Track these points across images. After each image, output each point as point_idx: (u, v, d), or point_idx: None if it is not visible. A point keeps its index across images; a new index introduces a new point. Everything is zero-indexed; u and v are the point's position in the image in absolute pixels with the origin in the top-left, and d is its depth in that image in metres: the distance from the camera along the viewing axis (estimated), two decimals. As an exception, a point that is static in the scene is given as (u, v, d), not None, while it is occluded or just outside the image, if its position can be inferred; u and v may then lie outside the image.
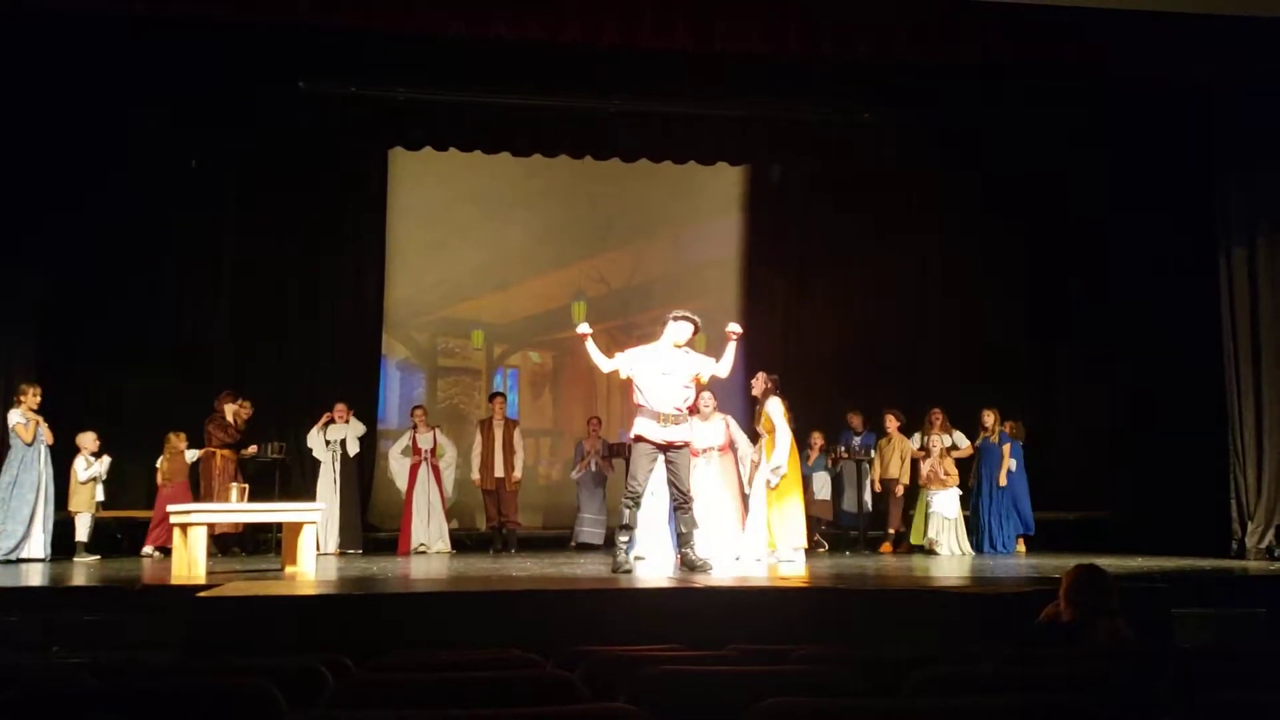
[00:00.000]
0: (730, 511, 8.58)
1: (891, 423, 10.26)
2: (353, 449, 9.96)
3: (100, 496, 9.23)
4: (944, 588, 6.79)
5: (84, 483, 9.09)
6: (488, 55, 9.03)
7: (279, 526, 8.77)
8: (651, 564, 8.07)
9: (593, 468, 10.60)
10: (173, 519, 7.58)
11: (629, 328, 11.84)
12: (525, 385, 12.60)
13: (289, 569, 7.71)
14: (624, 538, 7.34)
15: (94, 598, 6.69)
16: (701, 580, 6.70)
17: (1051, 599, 4.02)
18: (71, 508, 9.03)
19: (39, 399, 8.65)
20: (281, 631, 5.31)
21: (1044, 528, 10.41)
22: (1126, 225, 10.74)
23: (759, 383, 8.67)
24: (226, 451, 9.66)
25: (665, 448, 7.22)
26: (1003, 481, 9.95)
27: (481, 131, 10.36)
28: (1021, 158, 10.93)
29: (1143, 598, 6.03)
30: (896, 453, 10.19)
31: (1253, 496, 9.14)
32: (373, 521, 10.80)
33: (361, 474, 10.42)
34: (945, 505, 9.82)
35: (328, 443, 9.90)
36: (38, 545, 8.57)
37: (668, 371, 7.26)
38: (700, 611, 5.72)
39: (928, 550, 9.79)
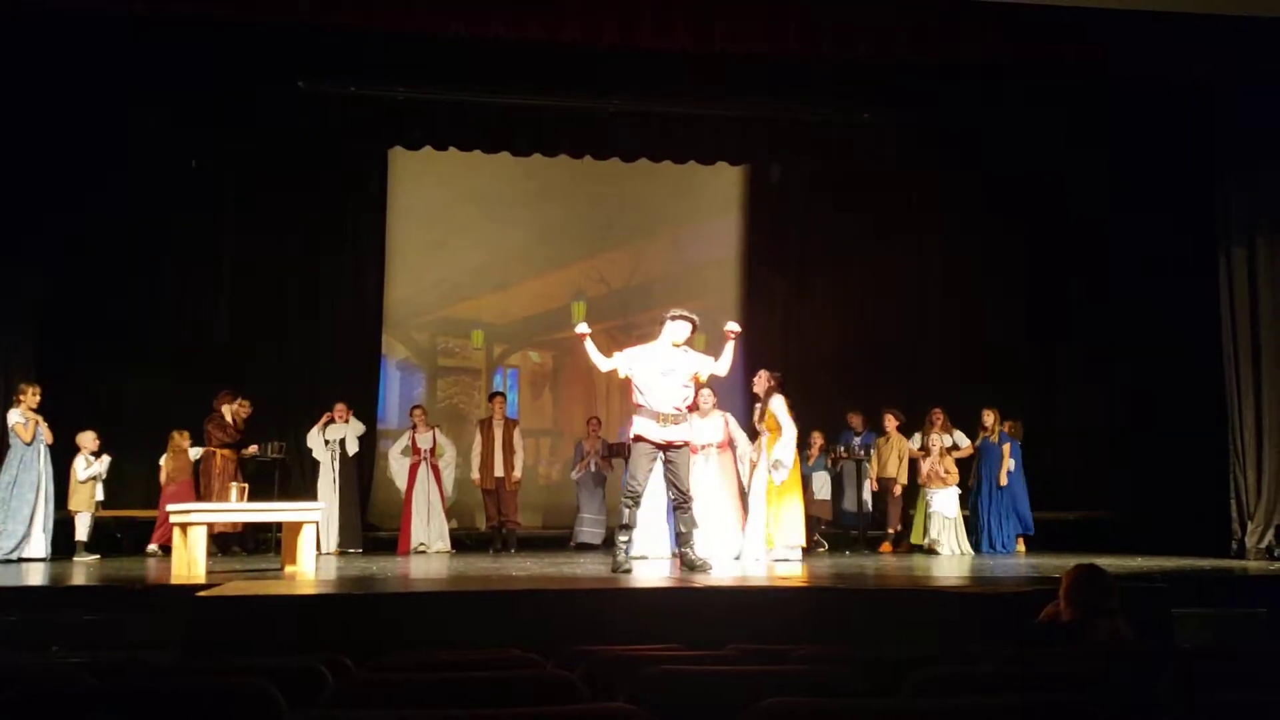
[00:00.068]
0: (729, 510, 8.59)
1: (890, 422, 10.27)
2: (352, 448, 9.96)
3: (100, 496, 9.23)
4: (944, 588, 6.79)
5: (84, 482, 9.09)
6: (487, 55, 9.03)
7: (279, 526, 8.77)
8: (650, 562, 8.07)
9: (592, 468, 10.60)
10: (172, 519, 7.58)
11: (629, 328, 11.84)
12: (525, 385, 12.60)
13: (289, 569, 7.71)
14: (624, 537, 7.34)
15: (94, 597, 6.69)
16: (701, 580, 6.70)
17: (1051, 599, 4.02)
18: (71, 507, 9.03)
19: (38, 398, 8.65)
20: (281, 631, 5.30)
21: (1044, 528, 10.42)
22: (1126, 225, 10.74)
23: (762, 381, 8.67)
24: (226, 451, 9.67)
25: (665, 447, 7.22)
26: (1003, 481, 9.95)
27: (481, 131, 10.36)
28: (1021, 158, 10.93)
29: (1143, 598, 6.03)
30: (895, 452, 10.20)
31: (1253, 496, 9.14)
32: (372, 521, 10.80)
33: (361, 474, 10.43)
34: (945, 504, 9.82)
35: (327, 442, 9.90)
36: (38, 545, 8.58)
37: (667, 371, 7.26)
38: (700, 611, 5.72)
39: (927, 550, 9.79)
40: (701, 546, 7.55)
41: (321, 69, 9.52)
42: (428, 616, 5.64)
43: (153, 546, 9.34)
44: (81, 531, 9.02)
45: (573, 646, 3.49)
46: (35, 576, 7.55)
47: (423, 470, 10.07)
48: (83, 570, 8.14)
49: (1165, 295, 10.21)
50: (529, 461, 11.15)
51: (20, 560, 8.43)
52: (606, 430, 10.97)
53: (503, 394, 10.85)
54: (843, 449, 10.33)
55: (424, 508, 10.01)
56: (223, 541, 9.50)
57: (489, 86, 9.80)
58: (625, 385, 7.60)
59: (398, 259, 11.69)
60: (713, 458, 8.64)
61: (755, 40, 8.30)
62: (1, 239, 9.13)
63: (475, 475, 10.30)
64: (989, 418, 10.10)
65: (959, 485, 9.94)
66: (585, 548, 10.27)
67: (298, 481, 10.46)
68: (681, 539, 7.36)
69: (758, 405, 8.70)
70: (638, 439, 7.28)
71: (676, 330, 7.34)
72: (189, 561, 7.26)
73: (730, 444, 8.78)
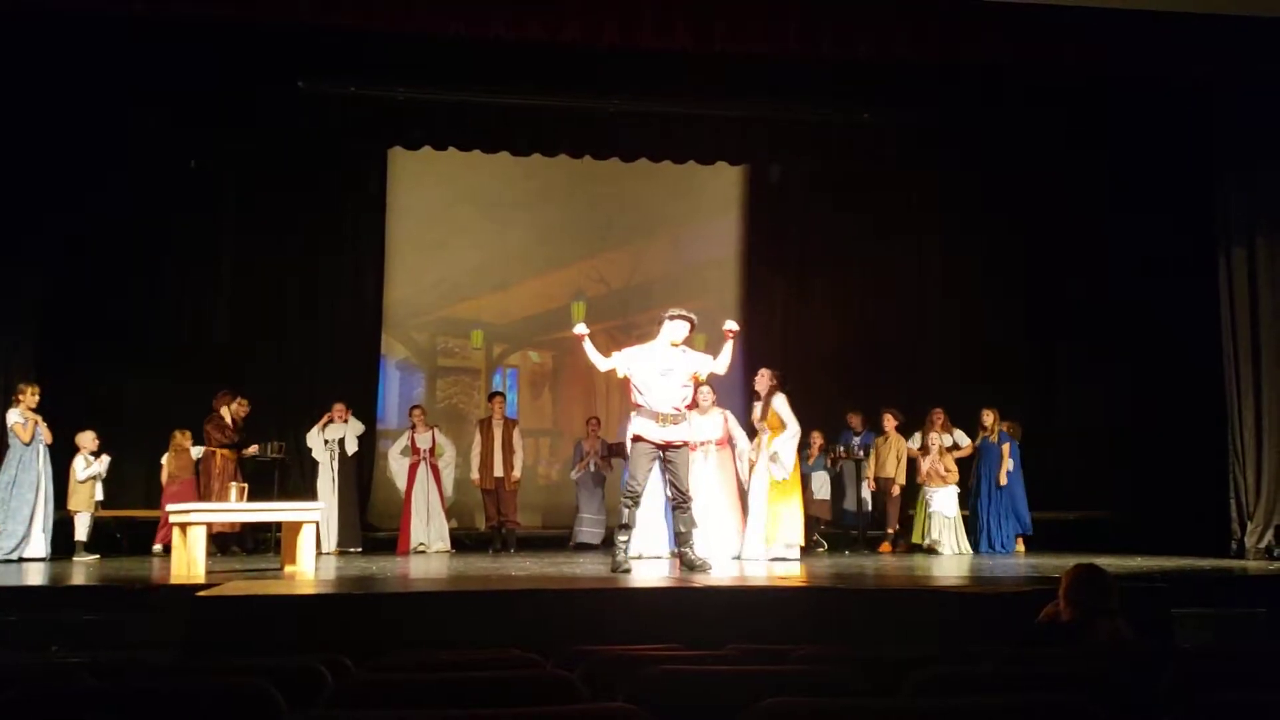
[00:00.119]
0: (728, 509, 8.58)
1: (889, 422, 10.26)
2: (351, 448, 9.96)
3: (100, 496, 9.23)
4: (944, 588, 6.79)
5: (83, 482, 9.09)
6: (487, 55, 9.03)
7: (278, 526, 8.77)
8: (650, 562, 8.07)
9: (591, 468, 10.60)
10: (172, 519, 7.59)
11: (628, 328, 11.84)
12: (525, 385, 12.60)
13: (288, 568, 7.71)
14: (623, 537, 7.34)
15: (93, 597, 6.68)
16: (701, 580, 6.70)
17: (1051, 599, 4.02)
18: (71, 507, 9.02)
19: (37, 398, 8.65)
20: (281, 631, 5.30)
21: (1044, 528, 10.41)
22: (1126, 225, 10.74)
23: (764, 379, 8.69)
24: (226, 451, 9.67)
25: (664, 447, 7.22)
26: (1003, 481, 9.95)
27: (481, 131, 10.35)
28: (1021, 158, 10.92)
29: (1143, 598, 6.03)
30: (893, 452, 10.18)
31: (1252, 496, 9.14)
32: (372, 521, 10.80)
33: (361, 473, 10.43)
34: (944, 504, 9.83)
35: (326, 442, 9.90)
36: (37, 545, 8.58)
37: (665, 370, 7.25)
38: (700, 611, 5.72)
39: (928, 550, 9.79)
40: (701, 546, 7.55)
41: (321, 69, 9.52)
42: (427, 616, 5.64)
43: (158, 547, 9.33)
44: (81, 531, 9.02)
45: (572, 646, 3.49)
46: (35, 576, 7.55)
47: (422, 470, 10.07)
48: (82, 570, 8.14)
49: (1165, 295, 10.21)
50: (529, 461, 11.15)
51: (20, 560, 8.43)
52: (606, 430, 10.97)
53: (502, 394, 10.85)
54: (842, 449, 10.32)
55: (423, 508, 10.01)
56: (222, 541, 9.51)
57: (489, 86, 9.80)
58: (625, 385, 7.60)
59: (397, 259, 11.69)
60: (711, 454, 8.64)
61: (755, 40, 8.30)
62: (1, 239, 9.13)
63: (475, 475, 10.30)
64: (989, 418, 10.10)
65: (958, 485, 9.95)
66: (585, 548, 10.27)
67: (297, 481, 10.47)
68: (681, 539, 7.35)
69: (757, 404, 8.71)
70: (637, 439, 7.27)
71: (675, 330, 7.34)
72: (188, 561, 7.26)
73: (729, 441, 8.78)
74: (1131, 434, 10.66)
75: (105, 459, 9.20)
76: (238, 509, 8.28)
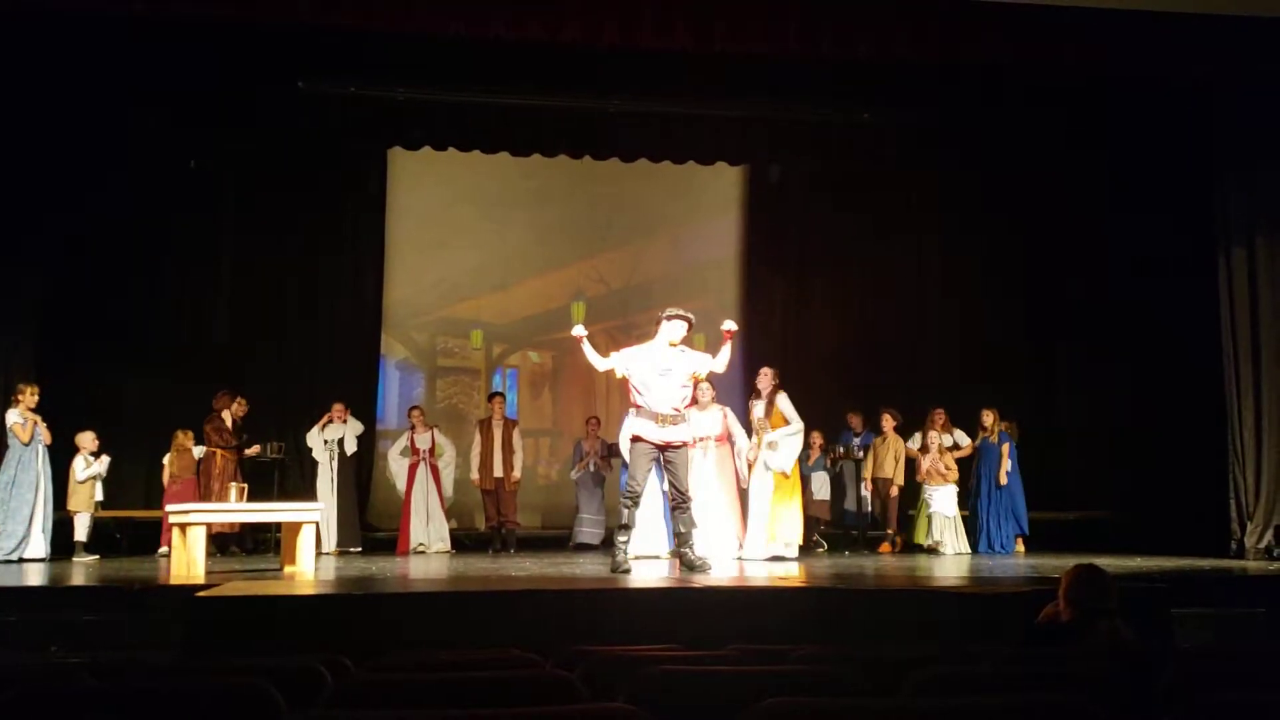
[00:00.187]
0: (727, 506, 8.58)
1: (888, 422, 10.25)
2: (350, 448, 9.96)
3: (100, 496, 9.23)
4: (944, 588, 6.79)
5: (83, 482, 9.08)
6: (487, 55, 9.03)
7: (278, 526, 8.78)
8: (649, 562, 8.07)
9: (591, 468, 10.60)
10: (172, 519, 7.58)
11: (628, 328, 11.84)
12: (524, 385, 12.60)
13: (288, 569, 7.72)
14: (623, 537, 7.33)
15: (93, 597, 6.68)
16: (701, 580, 6.70)
17: (1051, 599, 4.02)
18: (71, 507, 9.02)
19: (37, 398, 8.64)
20: (280, 631, 5.30)
21: (1044, 528, 10.42)
22: (1126, 225, 10.74)
23: (768, 378, 8.72)
24: (227, 451, 9.67)
25: (664, 448, 7.22)
26: (1003, 480, 9.95)
27: (481, 131, 10.35)
28: (1021, 158, 10.92)
29: (1143, 598, 6.03)
30: (891, 452, 10.18)
31: (1252, 496, 9.14)
32: (372, 521, 10.81)
33: (360, 473, 10.43)
34: (944, 503, 9.83)
35: (325, 442, 9.90)
36: (37, 545, 8.57)
37: (664, 370, 7.25)
38: (700, 611, 5.72)
39: (929, 550, 9.79)
40: (701, 546, 7.55)
41: (321, 69, 9.52)
42: (427, 616, 5.64)
43: (164, 549, 9.24)
44: (81, 532, 9.02)
45: (572, 646, 3.49)
46: (35, 577, 7.55)
47: (422, 470, 10.08)
48: (82, 570, 8.14)
49: (1165, 295, 10.20)
50: (528, 462, 11.15)
51: (20, 560, 8.42)
52: (606, 430, 10.96)
53: (502, 394, 10.85)
54: (842, 449, 10.33)
55: (423, 508, 10.01)
56: (221, 541, 9.50)
57: (489, 86, 9.80)
58: (624, 385, 7.60)
59: (397, 259, 11.69)
60: (711, 451, 8.64)
61: (755, 40, 8.30)
62: (1, 239, 9.12)
63: (474, 475, 10.29)
64: (989, 418, 10.10)
65: (958, 485, 9.96)
66: (584, 548, 10.27)
67: (296, 481, 10.47)
68: (681, 539, 7.35)
69: (758, 402, 8.72)
70: (636, 439, 7.27)
71: (673, 330, 7.34)
72: (188, 561, 7.26)
73: (729, 438, 8.78)
74: (1131, 434, 10.66)
75: (105, 459, 9.20)
76: (238, 509, 8.28)
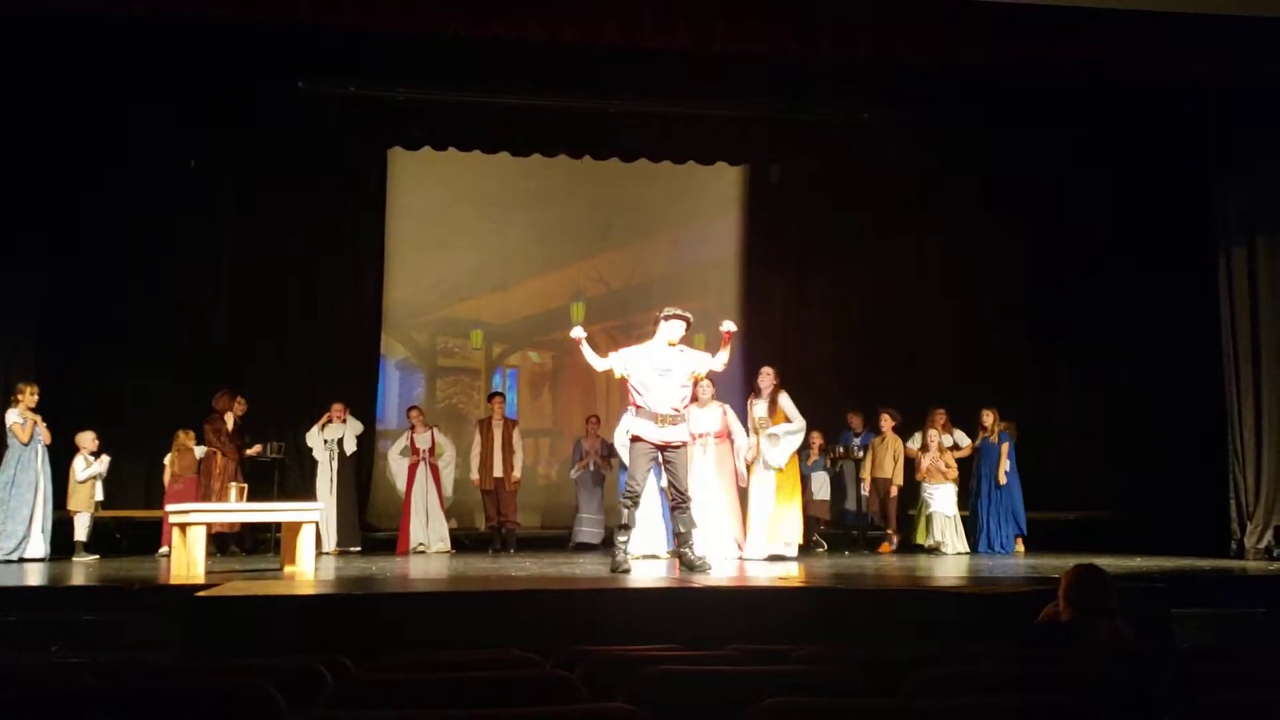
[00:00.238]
0: (726, 504, 8.57)
1: (886, 422, 10.25)
2: (350, 448, 9.97)
3: (100, 496, 9.23)
4: (944, 588, 6.79)
5: (83, 482, 9.08)
6: (487, 55, 9.03)
7: (278, 526, 8.78)
8: (648, 561, 8.07)
9: (591, 467, 10.60)
10: (172, 519, 7.58)
11: (628, 328, 11.84)
12: (524, 385, 12.60)
13: (288, 569, 7.72)
14: (623, 537, 7.34)
15: (93, 597, 6.68)
16: (701, 580, 6.70)
17: (1051, 599, 4.02)
18: (71, 507, 9.02)
19: (36, 398, 8.64)
20: (280, 631, 5.30)
21: (1044, 528, 10.42)
22: (1126, 225, 10.73)
23: (770, 377, 8.74)
24: (228, 450, 9.67)
25: (663, 448, 7.22)
26: (1002, 480, 9.95)
27: (481, 131, 10.35)
28: (1021, 157, 10.92)
29: (1143, 598, 6.03)
30: (890, 452, 10.18)
31: (1252, 497, 9.14)
32: (372, 521, 10.81)
33: (360, 473, 10.43)
34: (944, 502, 9.84)
35: (325, 442, 9.91)
36: (37, 545, 8.57)
37: (664, 370, 7.25)
38: (700, 611, 5.72)
39: (930, 550, 9.80)
40: (700, 545, 7.55)
41: (321, 69, 9.51)
42: (427, 616, 5.64)
43: (165, 549, 9.26)
44: (81, 532, 9.02)
45: (572, 646, 3.49)
46: (35, 576, 7.55)
47: (421, 470, 10.08)
48: (82, 570, 8.14)
49: (1165, 295, 10.20)
50: (528, 462, 11.15)
51: (20, 560, 8.42)
52: (606, 429, 10.95)
53: (502, 394, 10.85)
54: (841, 449, 10.33)
55: (423, 508, 10.02)
56: (221, 541, 9.51)
57: (489, 86, 9.79)
58: (624, 385, 7.59)
59: (397, 259, 11.69)
60: (710, 447, 8.63)
61: (755, 40, 8.30)
62: (1, 239, 9.12)
63: (474, 476, 10.30)
64: (989, 418, 10.10)
65: (958, 486, 9.96)
66: (584, 547, 10.27)
67: (296, 481, 10.47)
68: (681, 539, 7.35)
69: (758, 401, 8.73)
70: (636, 439, 7.27)
71: (671, 329, 7.34)
72: (188, 561, 7.26)
73: (728, 435, 8.78)
74: (1131, 434, 10.66)
75: (105, 459, 9.20)
76: (238, 509, 8.28)
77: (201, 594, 5.80)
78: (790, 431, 8.57)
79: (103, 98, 9.41)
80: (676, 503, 7.31)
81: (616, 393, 11.16)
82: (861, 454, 10.26)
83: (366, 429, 10.49)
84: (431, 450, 10.19)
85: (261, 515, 8.67)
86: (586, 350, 7.37)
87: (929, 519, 9.97)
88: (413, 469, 10.09)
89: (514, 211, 11.98)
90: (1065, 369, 11.76)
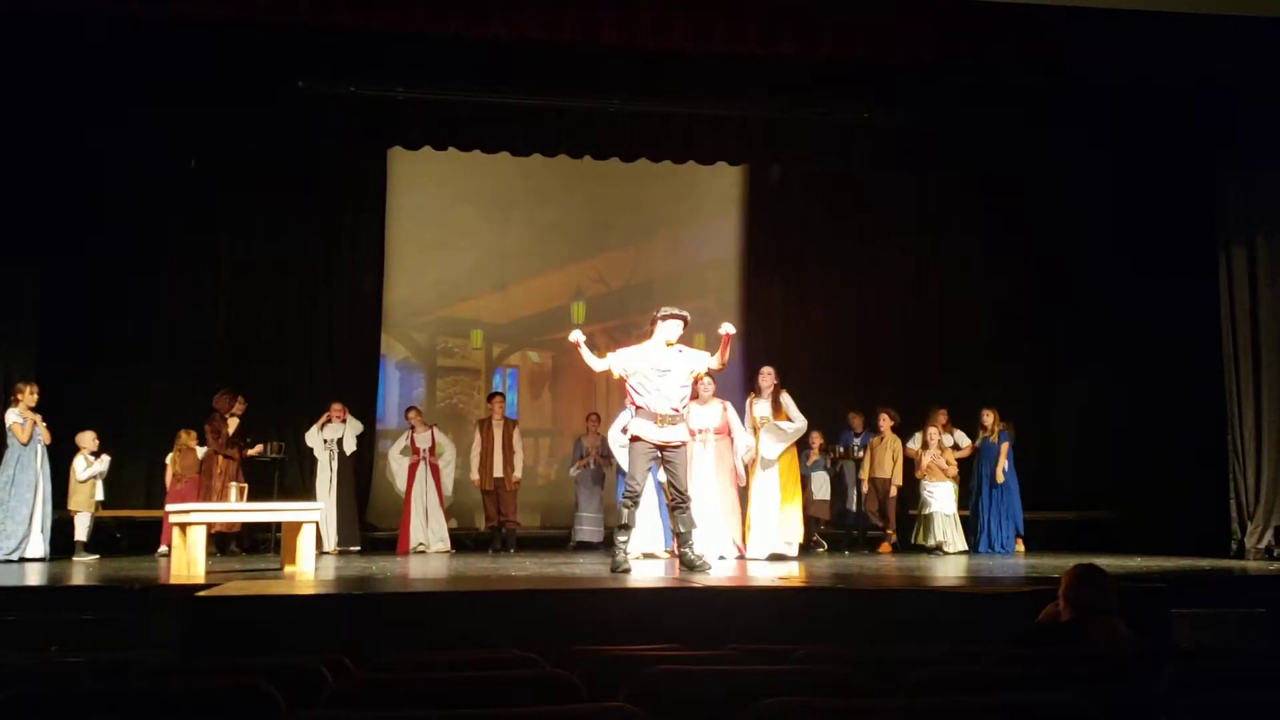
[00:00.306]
0: (726, 503, 8.57)
1: (885, 422, 10.24)
2: (350, 448, 9.97)
3: (101, 495, 9.23)
4: (944, 588, 6.80)
5: (84, 481, 9.09)
6: (487, 55, 9.03)
7: (278, 526, 8.78)
8: (648, 561, 8.07)
9: (591, 465, 10.60)
10: (172, 519, 7.58)
11: (628, 327, 11.83)
12: (524, 385, 12.59)
13: (288, 568, 7.72)
14: (623, 537, 7.33)
15: (93, 597, 6.68)
16: (701, 580, 6.70)
17: (1051, 599, 4.02)
18: (71, 507, 9.02)
19: (36, 398, 8.64)
20: (280, 631, 5.30)
21: (1044, 528, 10.42)
22: (1126, 225, 10.73)
23: (771, 376, 8.75)
24: (230, 450, 9.68)
25: (663, 448, 7.22)
26: (999, 478, 9.95)
27: (481, 131, 10.34)
28: (1021, 157, 10.92)
29: (1143, 598, 6.02)
30: (889, 452, 10.18)
31: (1252, 497, 9.13)
32: (372, 521, 10.81)
33: (360, 473, 10.43)
34: (944, 500, 9.84)
35: (325, 441, 9.91)
36: (36, 545, 8.57)
37: (663, 370, 7.24)
38: (700, 611, 5.72)
39: (932, 550, 9.80)
40: (700, 545, 7.55)
41: (321, 69, 9.51)
42: (427, 616, 5.64)
43: (164, 549, 9.27)
44: (81, 531, 9.02)
45: (572, 646, 3.49)
46: (34, 576, 7.55)
47: (421, 470, 10.08)
48: (82, 570, 8.14)
49: (1165, 295, 10.20)
50: (528, 461, 11.15)
51: (20, 560, 8.43)
52: (606, 427, 10.93)
53: (502, 394, 10.85)
54: (841, 449, 10.33)
55: (422, 508, 10.02)
56: (221, 541, 9.51)
57: (489, 86, 9.79)
58: (623, 385, 7.57)
59: (397, 259, 11.68)
60: (710, 443, 8.63)
61: (754, 40, 8.30)
62: (1, 239, 9.12)
63: (475, 476, 10.30)
64: (989, 418, 10.10)
65: (958, 486, 9.96)
66: (584, 546, 10.27)
67: (296, 481, 10.47)
68: (680, 539, 7.35)
69: (759, 400, 8.73)
70: (635, 439, 7.27)
71: (669, 329, 7.33)
72: (188, 561, 7.26)
73: (728, 432, 8.77)
74: (1131, 434, 10.65)
75: (106, 459, 9.21)
76: (238, 509, 8.28)
77: (201, 594, 5.80)
78: (793, 429, 8.60)
79: (103, 98, 9.41)
80: (676, 503, 7.31)
81: (616, 392, 11.14)
82: (862, 454, 10.26)
83: (366, 429, 10.49)
84: (432, 450, 10.19)
85: (261, 515, 8.68)
86: (585, 352, 7.37)
87: (930, 519, 9.97)
88: (413, 469, 10.10)
89: (514, 211, 11.98)
90: (1065, 369, 11.75)
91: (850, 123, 10.59)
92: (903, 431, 10.30)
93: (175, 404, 10.21)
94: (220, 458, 9.60)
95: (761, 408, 8.70)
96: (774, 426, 8.60)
